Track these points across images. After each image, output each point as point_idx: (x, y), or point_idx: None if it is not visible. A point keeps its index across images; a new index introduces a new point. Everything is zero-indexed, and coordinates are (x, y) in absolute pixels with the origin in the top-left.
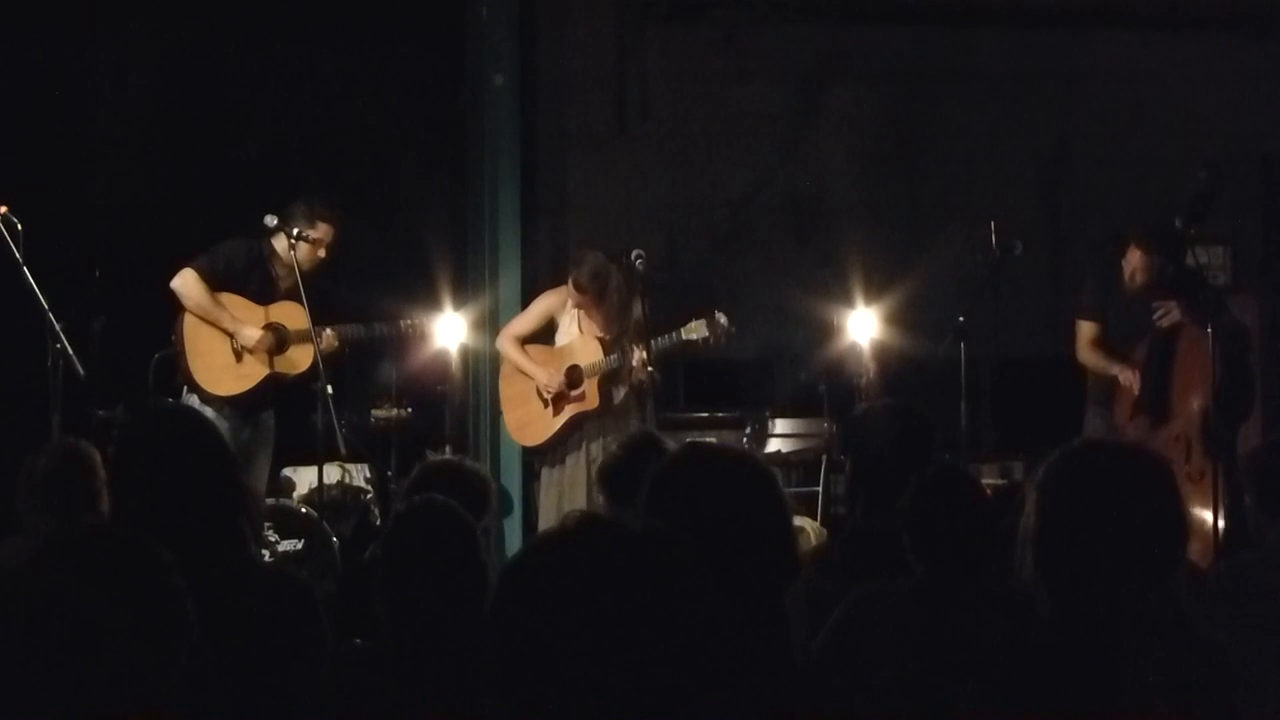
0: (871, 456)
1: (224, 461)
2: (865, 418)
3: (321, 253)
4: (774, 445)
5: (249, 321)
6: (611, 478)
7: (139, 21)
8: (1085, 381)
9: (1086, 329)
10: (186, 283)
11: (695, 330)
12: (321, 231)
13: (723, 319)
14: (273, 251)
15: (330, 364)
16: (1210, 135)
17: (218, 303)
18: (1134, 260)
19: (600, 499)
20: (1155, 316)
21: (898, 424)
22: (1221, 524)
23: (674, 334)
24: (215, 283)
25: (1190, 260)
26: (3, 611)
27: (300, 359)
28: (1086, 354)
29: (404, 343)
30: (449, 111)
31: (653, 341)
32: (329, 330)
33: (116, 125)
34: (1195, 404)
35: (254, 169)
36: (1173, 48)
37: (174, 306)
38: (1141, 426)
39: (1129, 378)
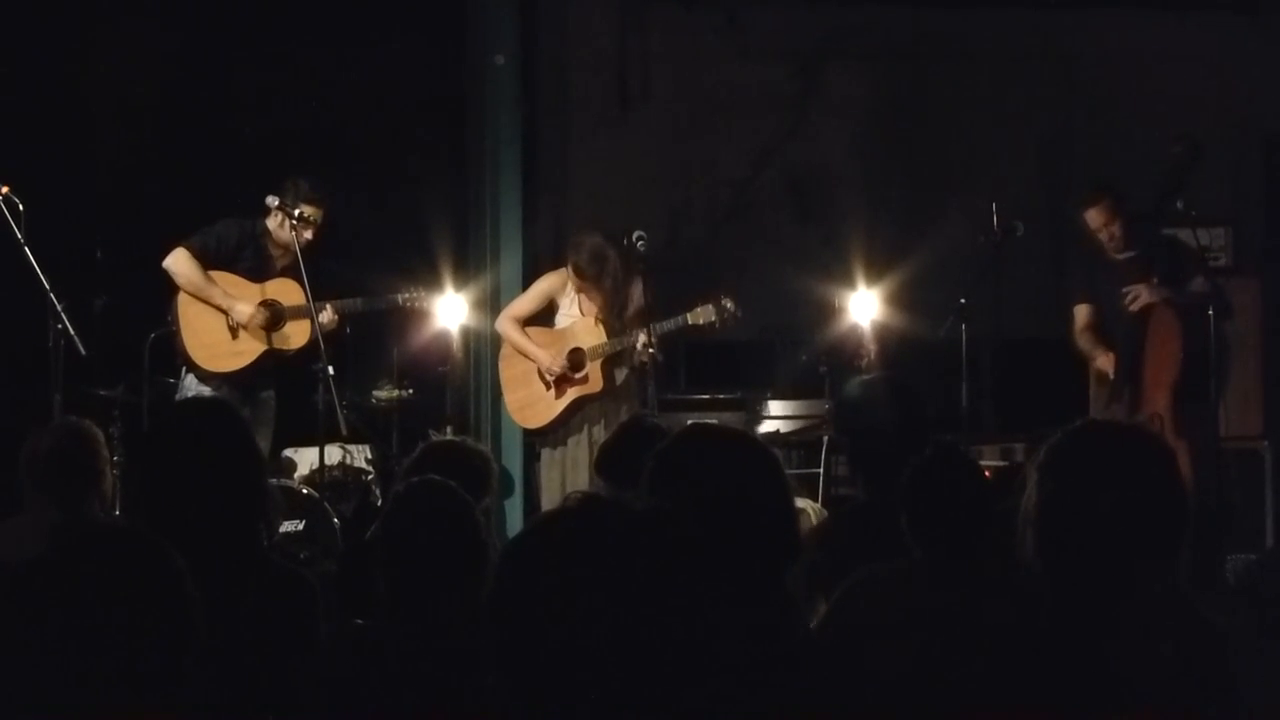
0: (868, 433)
1: (250, 459)
2: (856, 397)
3: (308, 233)
4: (774, 426)
5: (243, 298)
6: (609, 464)
7: (141, 1)
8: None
9: (1079, 312)
10: (178, 261)
11: (701, 314)
12: (308, 212)
13: (729, 304)
14: (266, 230)
15: (330, 341)
16: (1213, 116)
17: (210, 280)
18: (1094, 221)
19: (600, 483)
20: (1125, 302)
21: (889, 397)
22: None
23: (680, 318)
24: (207, 261)
25: (1192, 240)
26: (17, 610)
27: (297, 334)
28: (1080, 339)
29: (403, 316)
30: (451, 92)
31: (657, 325)
32: (328, 305)
33: (118, 106)
34: (1165, 383)
35: (255, 149)
36: (1175, 28)
37: (170, 287)
38: (1121, 411)
39: (1104, 364)
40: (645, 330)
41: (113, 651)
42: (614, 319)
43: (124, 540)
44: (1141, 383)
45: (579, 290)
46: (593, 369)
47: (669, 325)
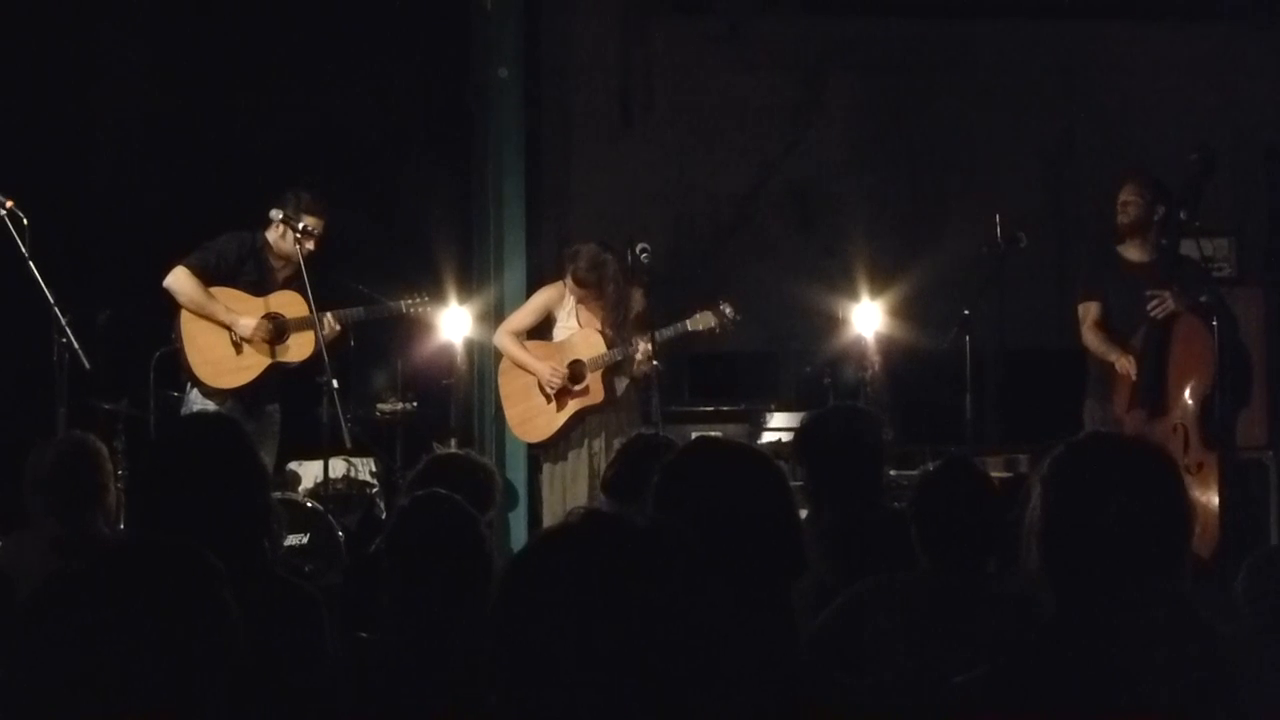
0: (828, 459)
1: (254, 474)
2: (815, 427)
3: (310, 244)
4: (778, 438)
5: (246, 312)
6: (614, 484)
7: (144, 14)
8: (1086, 371)
9: (1086, 310)
10: (178, 279)
11: (701, 321)
12: (310, 223)
13: (728, 309)
14: (266, 243)
15: (335, 351)
16: (1214, 127)
17: (211, 297)
18: (1124, 195)
19: (603, 499)
20: (1149, 307)
21: (848, 425)
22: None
23: (680, 324)
24: (208, 278)
25: (1195, 251)
26: (57, 619)
27: (301, 347)
28: (1088, 336)
29: (407, 329)
30: (454, 105)
31: (658, 332)
32: (329, 315)
33: (121, 118)
34: (1191, 394)
35: (260, 162)
36: (1177, 39)
37: (173, 305)
38: (1139, 419)
39: (1125, 365)
40: (646, 339)
41: (155, 664)
42: (614, 329)
43: (167, 551)
44: (1164, 392)
45: (579, 301)
46: (593, 380)
47: (669, 333)
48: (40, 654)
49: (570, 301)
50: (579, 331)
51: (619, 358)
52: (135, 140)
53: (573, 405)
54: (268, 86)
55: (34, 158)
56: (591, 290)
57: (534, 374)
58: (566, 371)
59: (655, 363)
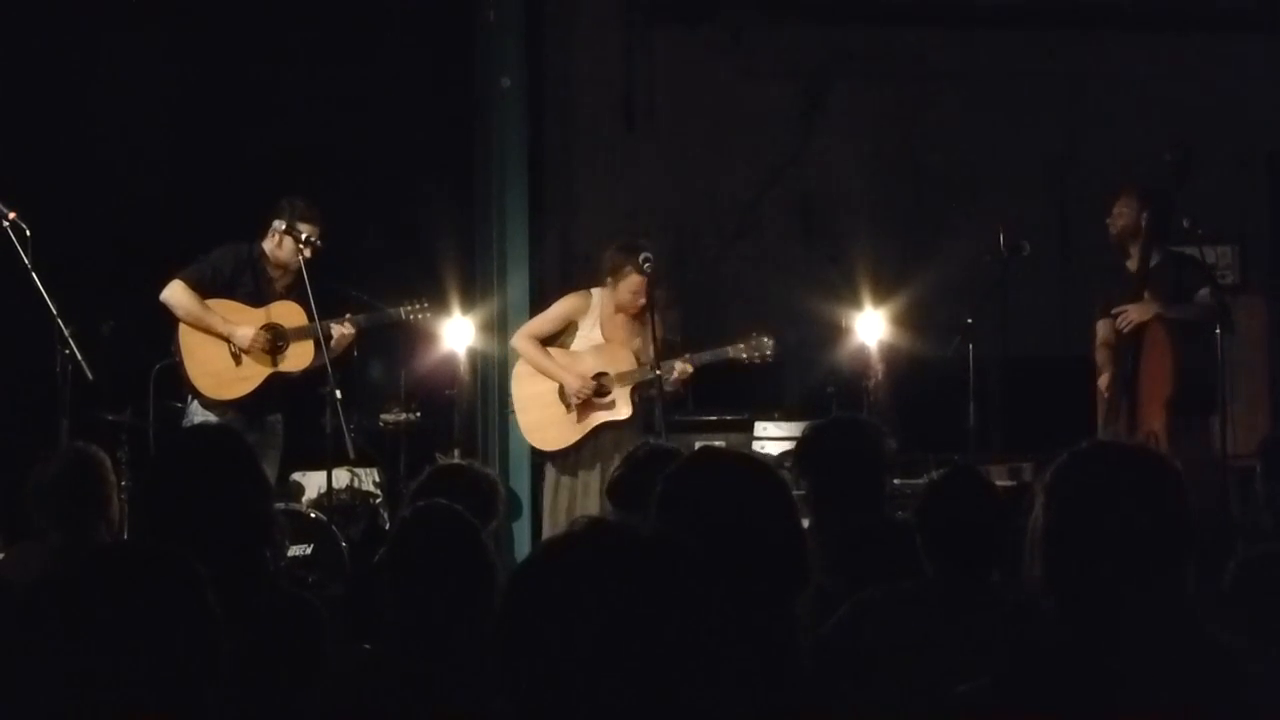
0: (830, 470)
1: (256, 486)
2: (818, 438)
3: (307, 252)
4: (782, 448)
5: (244, 323)
6: (620, 492)
7: (149, 25)
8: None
9: (1098, 328)
10: (174, 293)
11: (745, 350)
12: (306, 230)
13: (770, 342)
14: (263, 252)
15: (342, 360)
16: (1218, 134)
17: (208, 309)
18: (1115, 207)
19: (609, 509)
20: (1117, 325)
21: (850, 436)
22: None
23: (721, 350)
24: (204, 290)
25: (1195, 255)
26: (42, 623)
27: (301, 356)
28: (1098, 354)
29: (410, 338)
30: (458, 115)
31: (695, 355)
32: (334, 323)
33: (124, 130)
34: (1159, 400)
35: (264, 174)
36: (1179, 47)
37: (171, 318)
38: (1119, 430)
39: (1104, 382)
40: (685, 360)
41: (140, 666)
42: (657, 344)
43: (150, 557)
44: (1137, 401)
45: (617, 309)
46: (620, 395)
47: (707, 357)
48: (25, 657)
49: (595, 312)
50: (605, 345)
51: (650, 375)
52: (138, 152)
53: (596, 419)
54: (271, 98)
55: (36, 169)
56: (649, 285)
57: (560, 383)
58: (595, 384)
59: (671, 380)
